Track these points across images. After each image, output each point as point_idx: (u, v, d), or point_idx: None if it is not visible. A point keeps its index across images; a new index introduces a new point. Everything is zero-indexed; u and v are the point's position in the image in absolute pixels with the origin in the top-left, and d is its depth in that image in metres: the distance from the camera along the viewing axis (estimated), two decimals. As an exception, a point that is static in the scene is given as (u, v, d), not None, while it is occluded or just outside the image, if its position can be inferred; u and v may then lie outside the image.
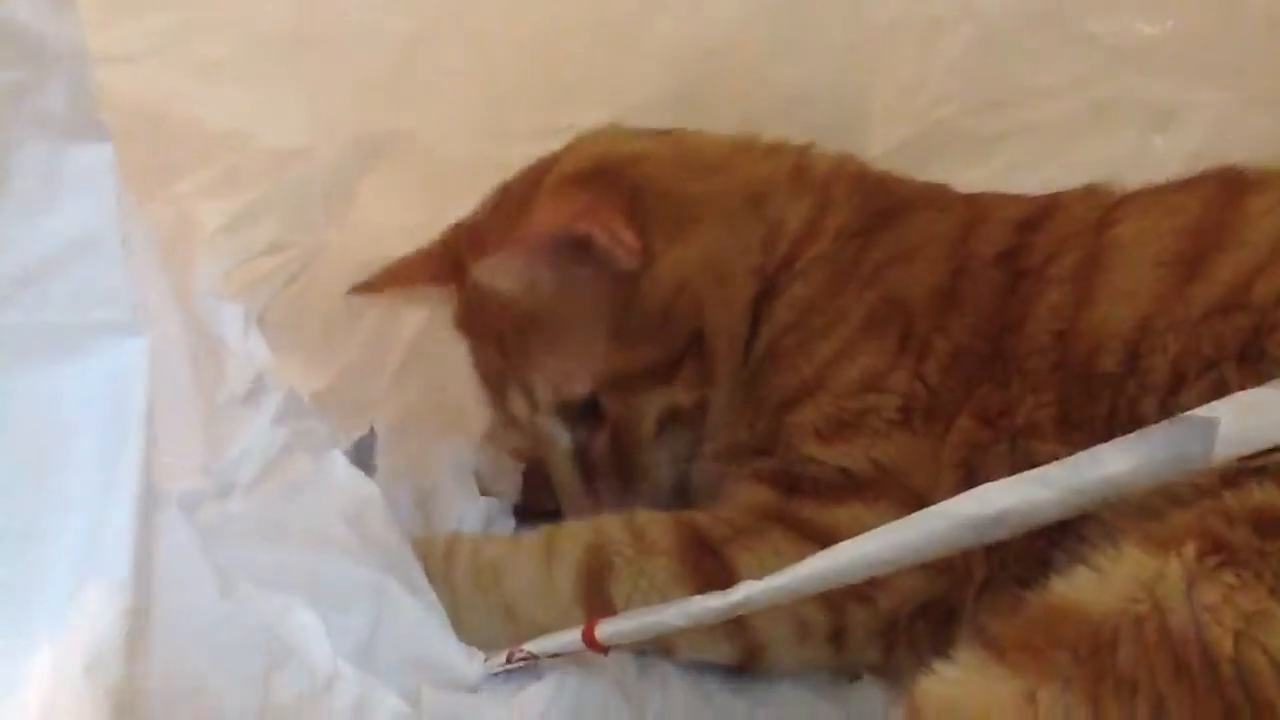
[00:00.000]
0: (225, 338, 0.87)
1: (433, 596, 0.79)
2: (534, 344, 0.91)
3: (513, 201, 0.94)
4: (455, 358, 0.99)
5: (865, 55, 1.00)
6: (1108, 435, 0.59)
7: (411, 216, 0.97)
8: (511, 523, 1.01)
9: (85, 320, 0.59)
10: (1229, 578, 0.53)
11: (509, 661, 0.76)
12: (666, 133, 0.97)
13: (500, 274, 0.89)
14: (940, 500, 0.65)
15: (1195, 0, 0.96)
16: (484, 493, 1.02)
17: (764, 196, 0.92)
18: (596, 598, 0.78)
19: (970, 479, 0.75)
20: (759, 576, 0.67)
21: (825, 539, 0.67)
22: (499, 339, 0.93)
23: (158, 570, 0.60)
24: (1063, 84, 1.01)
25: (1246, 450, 0.55)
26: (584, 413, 0.90)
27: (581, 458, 0.92)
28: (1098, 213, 0.84)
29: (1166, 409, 0.69)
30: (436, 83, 0.93)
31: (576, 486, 0.92)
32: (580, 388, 0.89)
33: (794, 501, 0.80)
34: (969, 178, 0.95)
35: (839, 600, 0.76)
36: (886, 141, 1.02)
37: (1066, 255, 0.82)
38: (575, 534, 0.81)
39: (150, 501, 0.60)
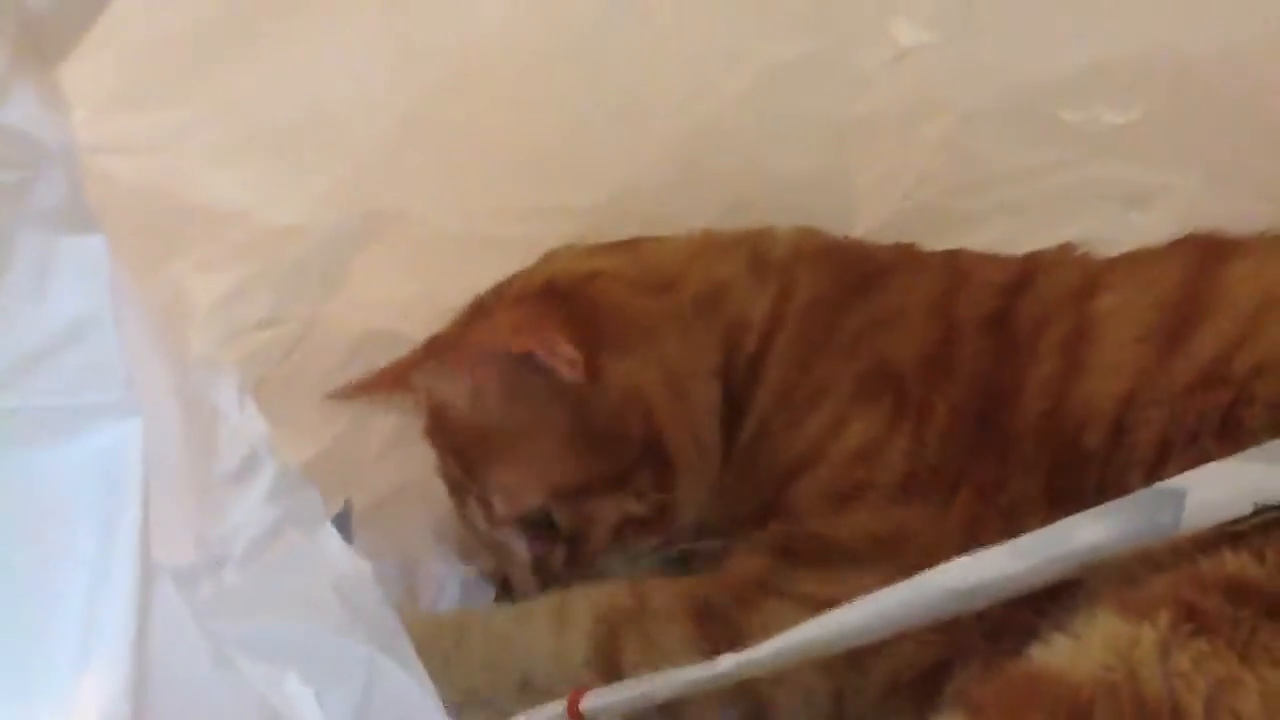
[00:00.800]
0: (220, 408, 0.89)
1: (423, 671, 0.78)
2: (485, 457, 0.92)
3: (482, 316, 0.96)
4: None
5: (850, 141, 1.02)
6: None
7: (405, 292, 0.99)
8: (491, 591, 1.02)
9: (78, 403, 0.60)
10: (1201, 645, 0.55)
11: None
12: (628, 244, 0.99)
13: (439, 383, 0.91)
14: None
15: (1163, 90, 0.98)
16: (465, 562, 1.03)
17: (722, 299, 0.93)
18: (609, 667, 0.79)
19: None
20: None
21: (731, 644, 0.71)
22: (456, 452, 0.95)
23: (152, 644, 0.60)
24: (1040, 167, 1.03)
25: (1214, 520, 0.57)
26: (539, 524, 0.91)
27: (539, 567, 0.92)
28: (1080, 279, 0.86)
29: (1151, 483, 0.70)
30: (431, 162, 0.94)
31: (534, 595, 0.91)
32: (532, 500, 0.90)
33: (796, 572, 0.81)
34: (952, 254, 0.96)
35: (838, 667, 0.77)
36: (872, 220, 1.04)
37: (1053, 327, 0.83)
38: (585, 603, 0.83)
39: (147, 581, 0.60)
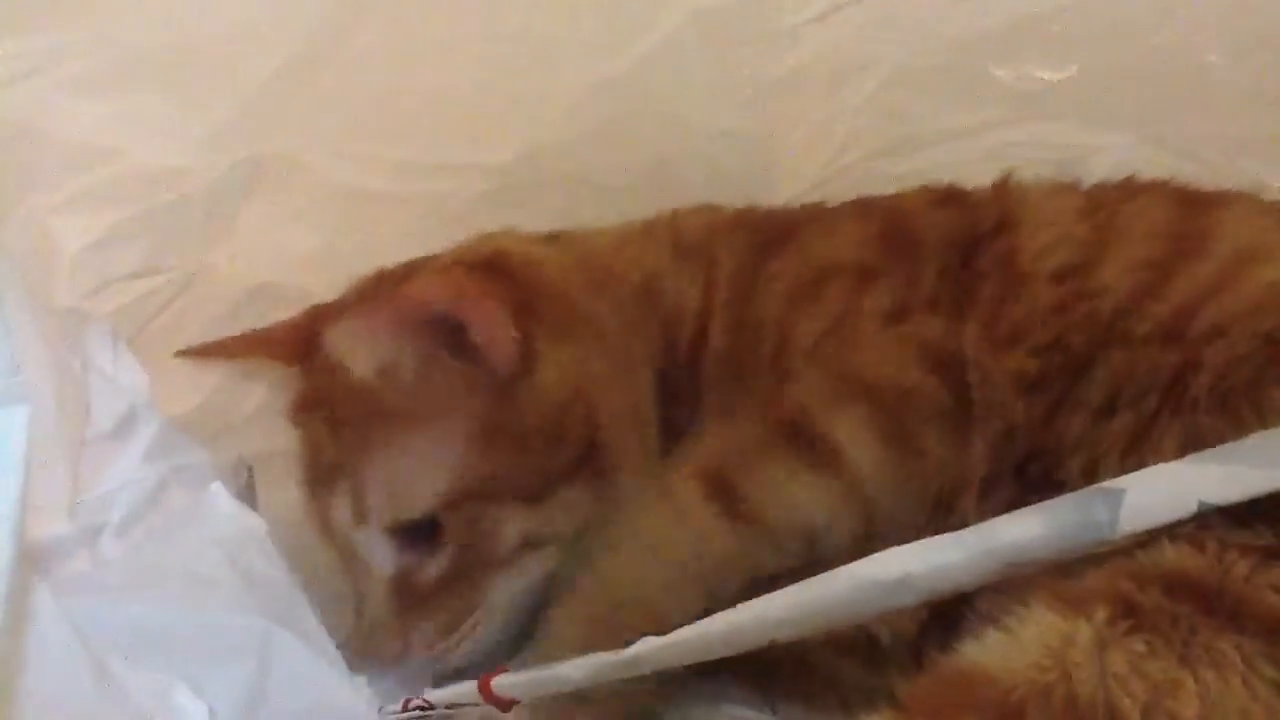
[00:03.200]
0: (92, 363, 0.83)
1: (325, 638, 0.74)
2: (377, 440, 0.80)
3: (387, 286, 0.86)
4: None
5: (774, 99, 0.99)
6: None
7: (302, 245, 0.93)
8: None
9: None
10: (1139, 644, 0.53)
11: (404, 710, 0.74)
12: (556, 236, 0.91)
13: (358, 342, 0.78)
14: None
15: (1094, 47, 0.97)
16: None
17: (655, 290, 0.87)
18: (732, 504, 0.73)
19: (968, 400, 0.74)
20: (769, 501, 0.71)
21: (827, 458, 0.72)
22: (338, 428, 0.81)
23: (27, 662, 0.57)
24: (969, 127, 1.01)
25: (1154, 521, 0.55)
26: (416, 532, 0.79)
27: (402, 588, 0.80)
28: (1051, 187, 0.84)
29: (1093, 431, 0.70)
30: (324, 105, 0.89)
31: (387, 623, 0.79)
32: (423, 501, 0.78)
33: (803, 410, 0.75)
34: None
35: None
36: (796, 185, 1.01)
37: (1057, 206, 0.80)
38: (665, 478, 0.77)
39: (21, 589, 0.57)
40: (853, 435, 0.73)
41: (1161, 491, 0.56)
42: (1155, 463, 0.64)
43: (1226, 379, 0.67)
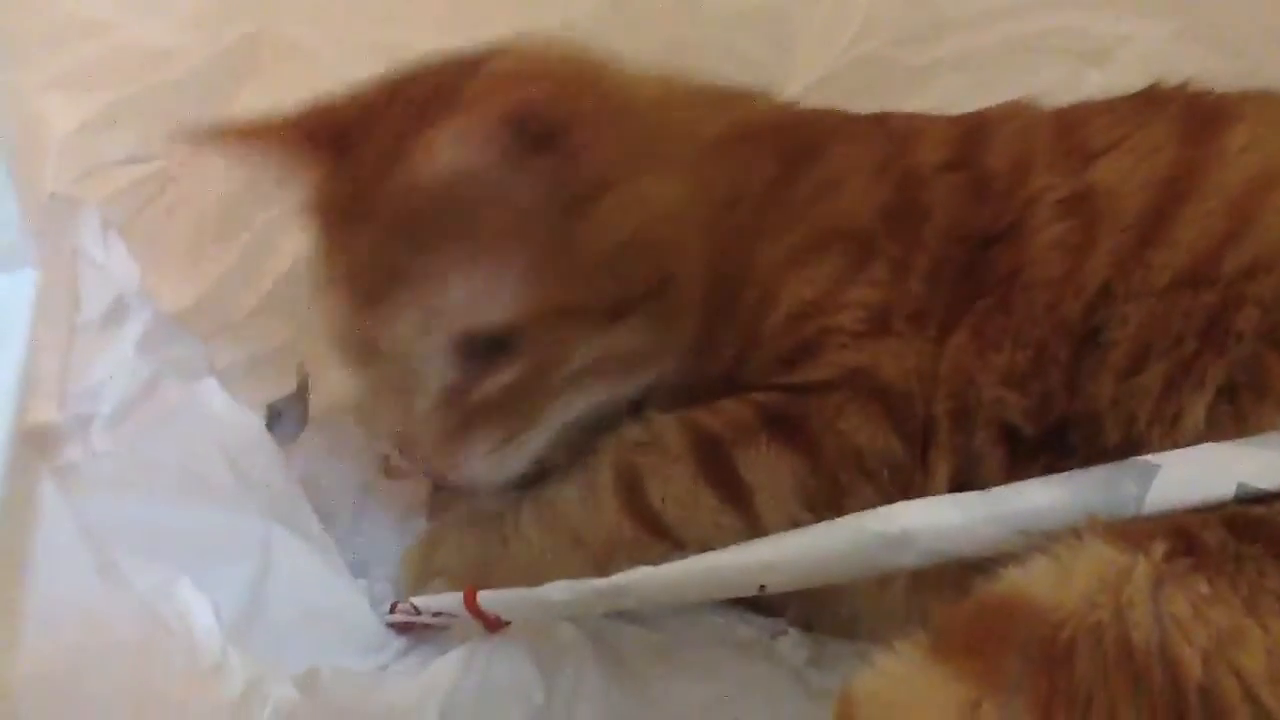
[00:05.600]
0: (81, 249, 0.80)
1: (325, 539, 0.76)
2: (453, 251, 0.72)
3: (420, 97, 0.75)
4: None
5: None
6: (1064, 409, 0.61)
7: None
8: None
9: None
10: (1200, 585, 0.50)
11: (392, 612, 0.75)
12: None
13: (460, 146, 0.70)
14: (931, 403, 0.70)
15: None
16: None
17: (726, 149, 0.80)
18: (638, 506, 0.74)
19: (961, 408, 0.72)
20: (760, 482, 0.71)
21: (809, 446, 0.71)
22: (394, 236, 0.73)
23: (34, 551, 0.58)
24: (993, 16, 0.97)
25: (1187, 499, 0.54)
26: (487, 347, 0.73)
27: (453, 403, 0.75)
28: (1057, 129, 0.78)
29: (1124, 388, 0.66)
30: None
31: (433, 437, 0.75)
32: (499, 315, 0.72)
33: (785, 400, 0.75)
34: (900, 112, 0.89)
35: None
36: (812, 74, 0.97)
37: (1053, 184, 0.74)
38: (605, 455, 0.77)
39: (25, 469, 0.55)
40: (772, 485, 0.72)
41: (1200, 470, 0.54)
42: (1197, 403, 0.64)
43: (1276, 310, 0.65)
